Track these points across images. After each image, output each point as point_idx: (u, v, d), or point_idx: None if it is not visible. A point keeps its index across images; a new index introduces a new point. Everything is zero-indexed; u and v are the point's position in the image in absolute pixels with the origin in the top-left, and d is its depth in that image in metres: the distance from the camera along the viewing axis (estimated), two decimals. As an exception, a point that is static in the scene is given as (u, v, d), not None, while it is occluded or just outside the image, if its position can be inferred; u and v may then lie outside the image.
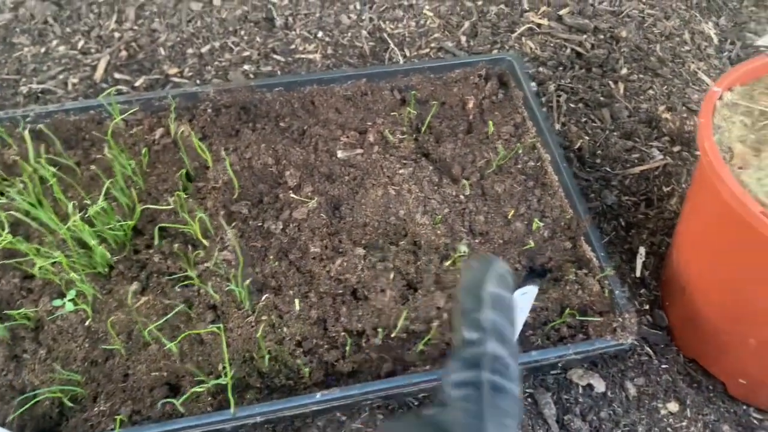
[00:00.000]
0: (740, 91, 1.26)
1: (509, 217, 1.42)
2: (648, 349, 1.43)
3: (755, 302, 1.19)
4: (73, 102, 1.57)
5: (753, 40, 2.00)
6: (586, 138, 1.73)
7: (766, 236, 1.03)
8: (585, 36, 1.98)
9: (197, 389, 1.14)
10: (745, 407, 1.38)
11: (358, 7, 2.05)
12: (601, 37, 1.99)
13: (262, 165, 1.49)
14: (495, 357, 0.60)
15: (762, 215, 1.03)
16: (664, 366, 1.40)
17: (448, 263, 1.34)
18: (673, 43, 1.98)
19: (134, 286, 1.29)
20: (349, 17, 2.03)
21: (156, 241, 1.31)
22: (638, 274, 1.53)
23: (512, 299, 0.66)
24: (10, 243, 1.24)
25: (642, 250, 1.55)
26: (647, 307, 1.49)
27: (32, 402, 1.17)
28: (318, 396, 1.15)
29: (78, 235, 1.27)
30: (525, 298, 1.09)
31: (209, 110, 1.55)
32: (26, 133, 1.38)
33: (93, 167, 1.43)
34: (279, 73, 1.87)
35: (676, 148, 1.72)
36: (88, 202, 1.28)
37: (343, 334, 1.26)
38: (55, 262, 1.26)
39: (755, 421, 1.36)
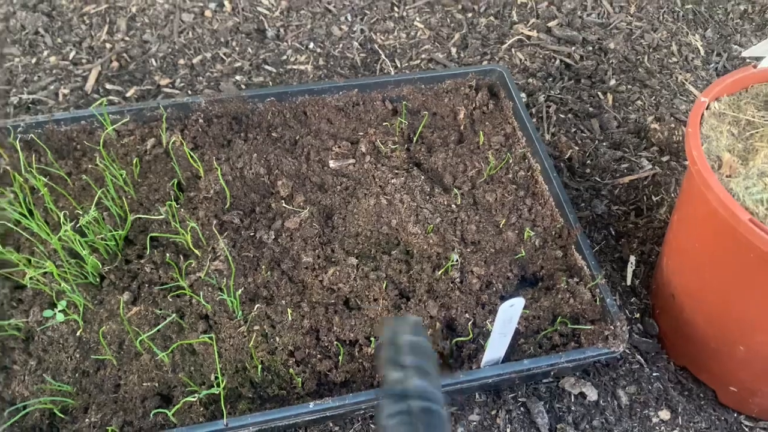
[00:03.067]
0: (727, 101, 1.28)
1: (501, 226, 1.43)
2: (639, 357, 1.44)
3: (743, 309, 1.20)
4: (65, 112, 1.57)
5: (739, 52, 2.03)
6: (576, 148, 1.74)
7: (754, 244, 1.04)
8: (574, 47, 2.00)
9: (190, 399, 1.13)
10: (735, 415, 1.39)
11: (350, 18, 2.07)
12: (590, 48, 2.01)
13: (254, 175, 1.49)
14: (419, 388, 0.72)
15: (750, 223, 1.05)
16: (655, 374, 1.41)
17: (440, 272, 1.34)
18: (661, 55, 2.00)
19: (125, 296, 1.28)
20: (341, 29, 2.04)
21: (147, 251, 1.31)
22: (629, 282, 1.54)
23: (428, 344, 0.78)
24: (0, 253, 1.23)
25: (632, 258, 1.56)
26: (638, 315, 1.50)
27: (22, 413, 1.16)
28: (311, 406, 1.14)
29: (69, 245, 1.27)
30: (512, 309, 1.09)
31: (201, 120, 1.55)
32: (17, 143, 1.37)
33: (84, 177, 1.43)
34: (270, 83, 1.87)
35: (665, 158, 1.74)
36: (80, 212, 1.27)
37: (335, 343, 1.26)
38: (45, 273, 1.26)
39: (746, 429, 1.37)
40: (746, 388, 1.33)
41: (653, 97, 1.89)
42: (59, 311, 1.26)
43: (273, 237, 1.40)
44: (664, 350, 1.46)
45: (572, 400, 1.36)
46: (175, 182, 1.43)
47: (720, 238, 1.17)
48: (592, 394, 1.36)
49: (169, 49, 1.92)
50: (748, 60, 1.35)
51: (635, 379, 1.40)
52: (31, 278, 1.24)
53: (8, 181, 1.43)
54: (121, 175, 1.38)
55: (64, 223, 1.21)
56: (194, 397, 1.15)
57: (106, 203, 1.33)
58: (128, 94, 1.81)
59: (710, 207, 1.11)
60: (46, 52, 1.89)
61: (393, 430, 0.70)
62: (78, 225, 1.25)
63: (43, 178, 1.33)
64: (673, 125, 1.81)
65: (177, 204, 1.39)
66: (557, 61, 1.98)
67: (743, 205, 1.09)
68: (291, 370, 1.21)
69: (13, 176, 1.37)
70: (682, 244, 1.34)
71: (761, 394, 1.32)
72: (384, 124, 1.61)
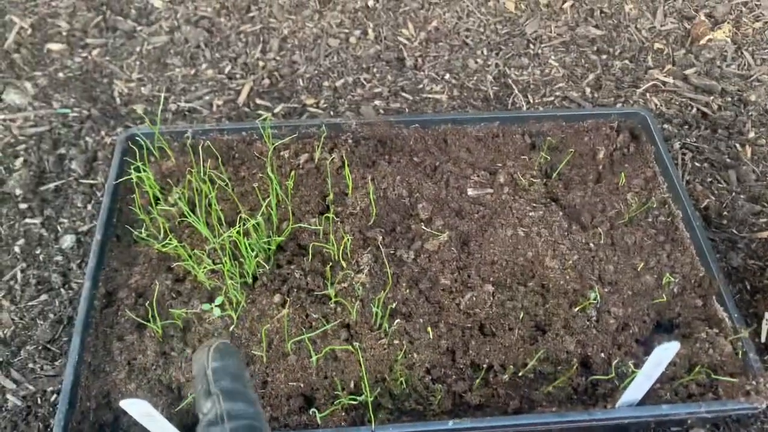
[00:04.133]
0: None
1: (639, 269, 1.43)
2: (771, 417, 1.40)
3: None
4: (230, 122, 1.70)
5: None
6: (712, 198, 1.73)
7: None
8: (712, 97, 1.99)
9: (342, 401, 1.20)
10: None
11: (486, 52, 2.13)
12: (729, 99, 1.99)
13: (396, 196, 1.56)
14: (231, 410, 0.72)
15: None
16: (789, 437, 1.37)
17: (577, 309, 1.36)
18: (805, 111, 1.96)
19: (276, 298, 1.36)
20: (476, 62, 2.10)
21: (309, 258, 1.39)
22: (763, 339, 1.50)
23: (238, 363, 0.78)
24: (174, 248, 1.35)
25: (767, 315, 1.52)
26: (772, 374, 1.46)
27: (186, 402, 1.26)
28: (450, 424, 1.18)
29: (229, 244, 1.37)
30: (666, 353, 1.10)
31: (350, 141, 1.64)
32: (199, 148, 1.50)
33: (244, 184, 1.54)
34: (407, 110, 1.95)
35: (807, 217, 1.70)
36: (245, 216, 1.37)
37: (471, 366, 1.30)
38: (208, 269, 1.36)
39: None
40: None
41: (795, 153, 1.85)
42: (216, 306, 1.35)
43: (412, 257, 1.46)
44: (799, 413, 1.42)
45: (701, 452, 1.34)
46: (331, 196, 1.51)
47: None
48: (722, 449, 1.34)
49: (315, 71, 2.04)
50: None
51: (768, 440, 1.37)
52: (204, 273, 1.34)
53: (174, 182, 1.56)
54: (283, 186, 1.48)
55: (236, 224, 1.31)
56: (338, 402, 1.21)
57: (266, 210, 1.43)
58: (276, 110, 1.93)
59: None
60: (204, 65, 2.05)
61: None
62: (245, 227, 1.35)
63: (221, 181, 1.45)
64: (816, 183, 1.76)
65: (329, 217, 1.47)
66: (694, 110, 1.97)
67: None
68: (430, 387, 1.26)
69: (186, 177, 1.50)
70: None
71: None
72: (522, 157, 1.66)
